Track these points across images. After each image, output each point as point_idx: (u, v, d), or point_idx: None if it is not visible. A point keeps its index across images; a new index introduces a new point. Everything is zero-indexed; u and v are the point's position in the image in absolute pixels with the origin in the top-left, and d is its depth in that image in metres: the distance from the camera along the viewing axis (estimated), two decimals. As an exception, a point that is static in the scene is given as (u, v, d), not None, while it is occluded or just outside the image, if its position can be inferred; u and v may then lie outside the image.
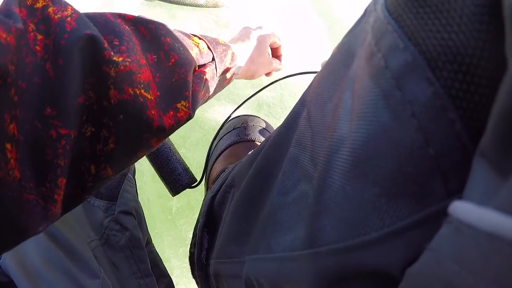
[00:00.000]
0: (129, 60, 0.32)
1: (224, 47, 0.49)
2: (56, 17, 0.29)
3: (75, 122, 0.29)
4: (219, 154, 0.73)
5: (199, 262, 0.50)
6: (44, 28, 0.29)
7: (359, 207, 0.18)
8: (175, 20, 0.97)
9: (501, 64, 0.14)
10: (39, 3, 0.30)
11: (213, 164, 0.73)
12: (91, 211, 0.56)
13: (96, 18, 0.33)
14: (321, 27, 1.04)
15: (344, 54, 0.25)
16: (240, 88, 0.92)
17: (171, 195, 0.69)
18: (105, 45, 0.30)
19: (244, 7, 1.01)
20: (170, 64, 0.37)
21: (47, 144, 0.28)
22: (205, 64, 0.45)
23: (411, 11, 0.17)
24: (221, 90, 0.54)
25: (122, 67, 0.31)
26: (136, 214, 0.60)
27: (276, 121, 0.89)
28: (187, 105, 0.38)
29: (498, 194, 0.13)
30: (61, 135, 0.28)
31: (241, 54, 0.56)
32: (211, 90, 0.47)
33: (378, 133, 0.17)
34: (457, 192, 0.16)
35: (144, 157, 0.67)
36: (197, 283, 0.55)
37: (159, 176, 0.68)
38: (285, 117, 0.33)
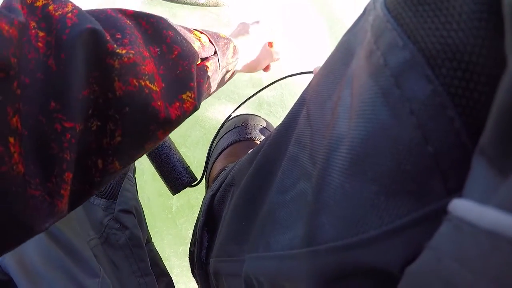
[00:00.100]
0: (132, 52, 0.32)
1: (226, 40, 0.49)
2: (56, 14, 0.29)
3: (80, 115, 0.29)
4: (220, 153, 0.73)
5: (199, 260, 0.50)
6: (45, 26, 0.29)
7: (357, 205, 0.18)
8: (176, 19, 0.97)
9: (501, 62, 0.14)
10: (39, 1, 0.30)
11: (214, 163, 0.73)
12: (91, 210, 0.56)
13: (97, 14, 0.33)
14: (321, 27, 1.04)
15: (343, 52, 0.25)
16: (240, 87, 0.92)
17: (171, 194, 0.69)
18: (108, 38, 0.30)
19: (245, 6, 1.01)
20: (174, 56, 0.37)
21: (52, 138, 0.28)
22: (207, 57, 0.45)
23: (410, 9, 0.17)
24: (224, 84, 0.54)
25: (126, 59, 0.31)
26: (136, 213, 0.60)
27: (276, 120, 0.89)
28: (192, 96, 0.38)
29: (498, 192, 0.13)
30: (66, 129, 0.28)
31: (243, 47, 0.56)
32: (215, 83, 0.47)
33: (376, 131, 0.17)
34: (457, 191, 0.16)
35: (145, 156, 0.67)
36: (197, 282, 0.55)
37: (159, 175, 0.68)
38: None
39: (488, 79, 0.15)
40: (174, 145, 0.69)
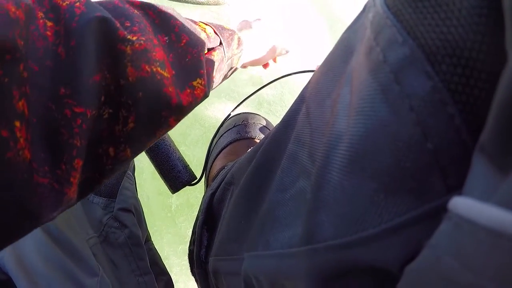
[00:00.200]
0: (143, 38, 0.32)
1: (230, 32, 0.49)
2: (64, 4, 0.29)
3: (90, 101, 0.28)
4: (219, 152, 0.72)
5: (198, 259, 0.50)
6: (53, 16, 0.29)
7: (356, 202, 0.18)
8: (176, 18, 0.97)
9: (501, 58, 0.14)
10: None
11: (213, 161, 0.72)
12: (90, 208, 0.56)
13: (105, 4, 0.33)
14: (321, 26, 1.04)
15: (343, 50, 0.25)
16: (240, 85, 0.92)
17: (170, 193, 0.69)
18: (118, 25, 0.30)
19: (245, 5, 1.01)
20: (182, 44, 0.37)
21: (62, 124, 0.27)
22: (213, 47, 0.45)
23: (410, 5, 0.17)
24: (226, 78, 0.54)
25: (137, 45, 0.31)
26: (135, 212, 0.60)
27: (276, 119, 0.89)
28: (203, 82, 0.38)
29: (499, 189, 0.13)
30: (77, 114, 0.28)
31: (246, 39, 0.56)
32: (221, 73, 0.48)
33: (376, 128, 0.17)
34: (457, 188, 0.16)
35: (144, 154, 0.67)
36: (196, 280, 0.55)
37: (159, 173, 0.68)
38: (285, 114, 0.33)
39: (489, 76, 0.15)
40: (174, 144, 0.69)
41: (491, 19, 0.14)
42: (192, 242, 0.55)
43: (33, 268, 0.43)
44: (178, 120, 0.36)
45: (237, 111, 0.77)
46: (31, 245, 0.44)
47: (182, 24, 0.38)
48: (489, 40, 0.14)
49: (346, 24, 0.26)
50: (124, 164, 0.34)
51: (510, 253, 0.11)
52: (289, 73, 0.74)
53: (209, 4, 0.97)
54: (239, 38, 0.51)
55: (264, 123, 0.77)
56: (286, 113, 0.32)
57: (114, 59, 0.30)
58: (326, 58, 0.27)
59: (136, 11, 0.35)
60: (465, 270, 0.13)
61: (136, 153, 0.34)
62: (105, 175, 0.32)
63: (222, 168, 0.66)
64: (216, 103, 0.90)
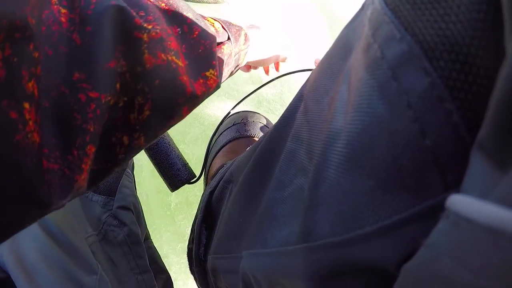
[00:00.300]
0: (158, 28, 0.32)
1: (237, 28, 0.49)
2: None
3: (105, 86, 0.28)
4: (219, 150, 0.72)
5: (197, 258, 0.50)
6: (67, 4, 0.28)
7: (353, 200, 0.18)
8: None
9: (500, 54, 0.14)
10: None
11: (213, 159, 0.72)
12: (89, 206, 0.56)
13: None
14: (321, 25, 1.04)
15: (342, 47, 0.25)
16: (240, 84, 0.92)
17: (169, 191, 0.69)
18: (133, 14, 0.30)
19: (245, 4, 1.00)
20: (195, 36, 0.37)
21: (76, 108, 0.27)
22: (222, 42, 0.45)
23: (408, 2, 0.17)
24: (235, 73, 0.54)
25: (153, 33, 0.31)
26: (135, 210, 0.60)
27: (275, 118, 0.88)
28: (215, 73, 0.38)
29: (498, 187, 0.13)
30: (91, 98, 0.27)
31: (253, 37, 0.56)
32: (229, 68, 0.48)
33: (373, 125, 0.17)
34: (455, 186, 0.16)
35: (143, 152, 0.67)
36: (195, 279, 0.55)
37: (158, 172, 0.68)
38: (284, 113, 0.33)
39: (487, 72, 0.14)
40: (173, 142, 0.69)
41: (490, 15, 0.14)
42: (191, 241, 0.55)
43: (32, 266, 0.43)
44: (190, 110, 0.36)
45: (237, 109, 0.77)
46: (30, 243, 0.44)
47: (193, 17, 0.39)
48: (488, 36, 0.14)
49: (345, 24, 0.26)
50: (136, 152, 0.34)
51: (510, 252, 0.11)
52: (288, 71, 0.74)
53: (209, 3, 0.97)
54: (245, 34, 0.51)
55: (263, 121, 0.77)
56: (285, 110, 0.32)
57: (130, 47, 0.29)
58: (324, 56, 0.27)
59: (148, 2, 0.35)
60: (463, 269, 0.13)
61: (148, 142, 0.34)
62: (117, 164, 0.32)
63: (221, 166, 0.65)
64: (216, 101, 0.90)
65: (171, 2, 0.37)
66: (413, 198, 0.16)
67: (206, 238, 0.49)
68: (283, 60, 0.71)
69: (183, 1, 0.39)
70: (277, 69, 0.74)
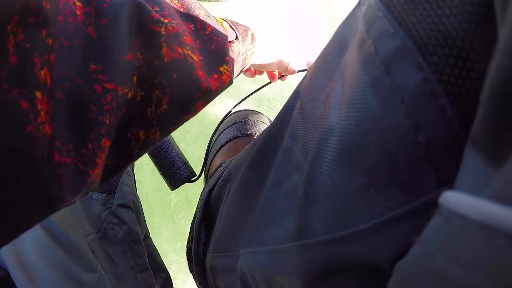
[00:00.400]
0: (174, 22, 0.32)
1: (244, 28, 0.49)
2: None
3: (122, 78, 0.27)
4: (219, 149, 0.72)
5: (196, 256, 0.50)
6: None
7: (347, 197, 0.18)
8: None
9: (495, 47, 0.13)
10: None
11: (213, 158, 0.72)
12: (89, 204, 0.56)
13: None
14: (322, 24, 1.04)
15: (338, 44, 0.24)
16: (240, 83, 0.92)
17: (169, 189, 0.69)
18: (150, 8, 0.30)
19: (246, 2, 1.00)
20: (207, 32, 0.38)
21: (91, 100, 0.26)
22: (231, 41, 0.45)
23: None
24: (240, 74, 0.54)
25: (170, 27, 0.31)
26: (134, 208, 0.60)
27: (276, 116, 0.88)
28: (229, 69, 0.38)
29: (491, 183, 0.12)
30: (107, 90, 0.26)
31: (260, 38, 0.56)
32: (237, 66, 0.48)
33: (366, 120, 0.17)
34: (449, 183, 0.15)
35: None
36: (194, 278, 0.55)
37: (158, 170, 0.68)
38: (285, 112, 0.32)
39: (482, 66, 0.14)
40: (174, 140, 0.69)
41: (484, 8, 0.14)
42: (190, 240, 0.55)
43: (30, 263, 0.43)
44: (204, 105, 0.36)
45: (238, 108, 0.77)
46: (30, 241, 0.44)
47: (205, 14, 0.39)
48: (482, 29, 0.14)
49: (345, 23, 0.26)
50: (150, 148, 0.33)
51: (504, 249, 0.11)
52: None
53: (210, 1, 0.97)
54: (252, 34, 0.52)
55: (264, 120, 0.77)
56: (282, 108, 0.32)
57: (147, 40, 0.29)
58: (321, 53, 0.27)
59: None
60: (456, 266, 0.13)
61: (163, 137, 0.33)
62: (131, 159, 0.31)
63: (221, 165, 0.65)
64: (216, 100, 0.89)
65: None
66: (407, 195, 0.16)
67: (205, 237, 0.49)
68: (291, 71, 0.71)
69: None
70: (281, 78, 0.73)
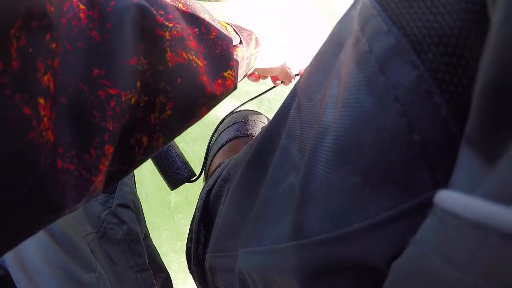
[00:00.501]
0: (179, 26, 0.32)
1: (248, 32, 0.49)
2: None
3: (126, 83, 0.27)
4: (219, 149, 0.72)
5: (195, 257, 0.50)
6: (85, 1, 0.27)
7: (342, 197, 0.18)
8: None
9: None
10: None
11: (213, 158, 0.72)
12: (89, 204, 0.56)
13: None
14: (322, 24, 1.04)
15: (334, 43, 0.24)
16: (240, 83, 0.92)
17: (169, 189, 0.69)
18: (154, 12, 0.30)
19: (246, 2, 1.00)
20: (212, 36, 0.37)
21: (95, 105, 0.25)
22: (235, 45, 0.45)
23: None
24: (243, 78, 0.54)
25: (175, 31, 0.31)
26: (134, 208, 0.60)
27: (276, 117, 0.88)
28: (233, 74, 0.38)
29: (485, 181, 0.12)
30: (111, 95, 0.26)
31: (264, 42, 0.56)
32: (241, 72, 0.47)
33: (361, 120, 0.17)
34: (444, 182, 0.15)
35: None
36: (193, 278, 0.55)
37: (158, 170, 0.68)
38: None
39: (477, 64, 0.14)
40: (173, 140, 0.69)
41: (478, 5, 0.14)
42: (189, 240, 0.55)
43: (30, 263, 0.43)
44: (208, 110, 0.36)
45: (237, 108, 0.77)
46: (31, 242, 0.44)
47: (210, 18, 0.38)
48: (477, 26, 0.14)
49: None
50: (154, 153, 0.33)
51: (499, 248, 0.11)
52: None
53: (210, 1, 0.97)
54: (256, 38, 0.51)
55: (264, 120, 0.77)
56: (279, 108, 0.31)
57: (151, 45, 0.29)
58: (317, 52, 0.27)
59: (167, 1, 0.35)
60: (451, 266, 0.13)
61: (166, 143, 0.33)
62: (134, 165, 0.31)
63: (220, 165, 0.65)
64: (216, 100, 0.90)
65: (188, 3, 0.37)
66: (402, 195, 0.16)
67: (204, 237, 0.49)
68: (292, 77, 0.71)
69: (198, 3, 0.39)
70: (283, 82, 0.73)
